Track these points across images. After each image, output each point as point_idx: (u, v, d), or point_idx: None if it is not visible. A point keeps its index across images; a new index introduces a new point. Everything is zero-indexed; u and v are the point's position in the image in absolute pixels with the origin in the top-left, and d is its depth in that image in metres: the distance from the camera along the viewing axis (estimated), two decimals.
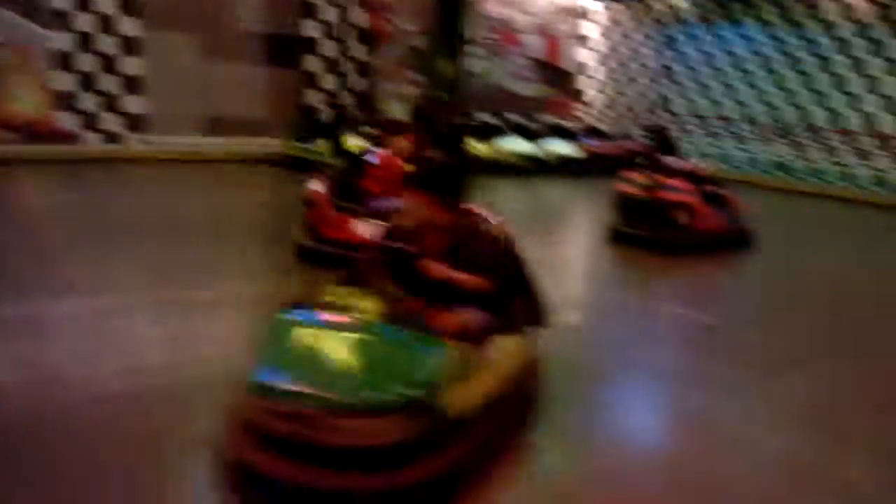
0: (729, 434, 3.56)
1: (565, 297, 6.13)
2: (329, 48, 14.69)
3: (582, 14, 18.67)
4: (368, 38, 15.16)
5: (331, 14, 14.65)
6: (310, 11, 14.35)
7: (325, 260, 5.70)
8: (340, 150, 6.88)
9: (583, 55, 18.82)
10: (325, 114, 14.29)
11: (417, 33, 14.81)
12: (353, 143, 9.74)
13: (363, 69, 15.16)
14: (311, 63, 14.46)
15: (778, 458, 3.33)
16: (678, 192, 7.69)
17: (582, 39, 18.77)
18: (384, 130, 6.74)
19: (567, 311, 5.32)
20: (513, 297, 3.27)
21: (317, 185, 6.32)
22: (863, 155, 13.66)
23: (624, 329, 5.29)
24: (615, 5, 18.03)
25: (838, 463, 3.31)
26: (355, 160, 6.62)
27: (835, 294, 6.59)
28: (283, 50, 14.21)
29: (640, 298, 6.10)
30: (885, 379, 4.51)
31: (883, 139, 13.38)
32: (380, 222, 5.63)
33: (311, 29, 14.37)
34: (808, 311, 6.00)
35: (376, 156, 6.39)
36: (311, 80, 14.46)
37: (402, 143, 6.35)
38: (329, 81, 14.72)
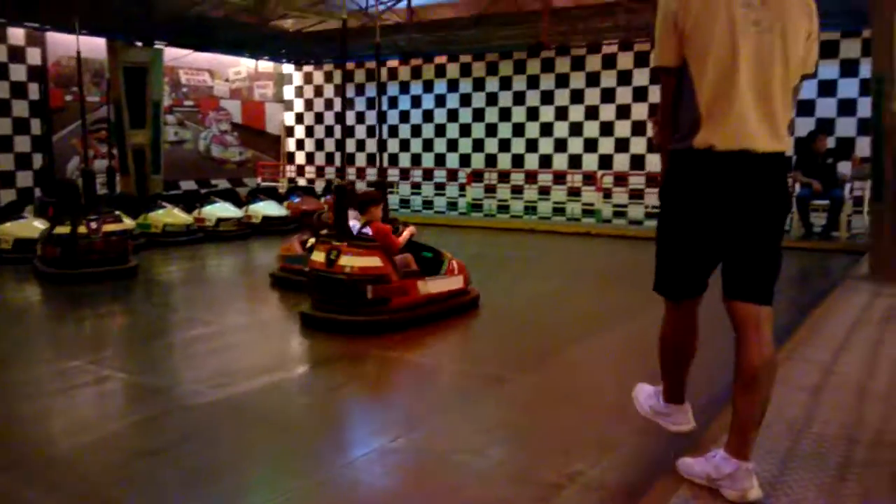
0: (446, 460, 3.72)
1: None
2: (2, 126, 13.43)
3: (280, 78, 18.94)
4: (46, 112, 14.10)
5: (2, 90, 13.43)
6: None
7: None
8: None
9: (286, 117, 19.07)
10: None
11: (104, 104, 14.04)
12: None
13: (42, 145, 14.03)
14: None
15: (488, 472, 3.54)
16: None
17: (283, 102, 19.02)
18: (361, 203, 6.90)
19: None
20: None
21: (376, 260, 6.28)
22: (544, 191, 15.24)
23: (345, 376, 5.34)
24: (313, 69, 18.50)
25: (538, 462, 3.60)
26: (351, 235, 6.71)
27: (528, 316, 7.21)
28: None
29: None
30: (560, 385, 5.01)
31: (557, 175, 15.05)
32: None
33: None
34: (505, 333, 6.51)
35: (369, 227, 6.64)
36: None
37: (378, 212, 6.83)
38: (5, 161, 13.43)
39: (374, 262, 6.25)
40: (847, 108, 12.40)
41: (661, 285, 2.99)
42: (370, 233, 6.58)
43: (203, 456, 3.69)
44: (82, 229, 8.57)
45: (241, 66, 17.98)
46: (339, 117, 7.45)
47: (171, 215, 11.86)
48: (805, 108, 12.38)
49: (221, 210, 12.67)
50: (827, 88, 12.46)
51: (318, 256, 6.48)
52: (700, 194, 2.70)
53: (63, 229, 8.61)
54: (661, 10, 2.71)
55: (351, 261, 6.23)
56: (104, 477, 3.48)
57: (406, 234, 6.78)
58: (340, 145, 7.63)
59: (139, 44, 13.96)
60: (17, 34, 13.62)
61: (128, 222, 9.85)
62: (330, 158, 18.49)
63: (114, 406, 4.65)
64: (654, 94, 13.90)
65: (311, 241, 8.46)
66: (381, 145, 7.83)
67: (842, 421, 3.57)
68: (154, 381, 5.04)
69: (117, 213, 9.40)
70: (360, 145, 17.94)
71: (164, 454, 3.72)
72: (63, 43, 14.10)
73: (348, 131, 18.11)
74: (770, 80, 2.63)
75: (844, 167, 11.24)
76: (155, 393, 4.80)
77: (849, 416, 3.64)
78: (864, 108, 11.31)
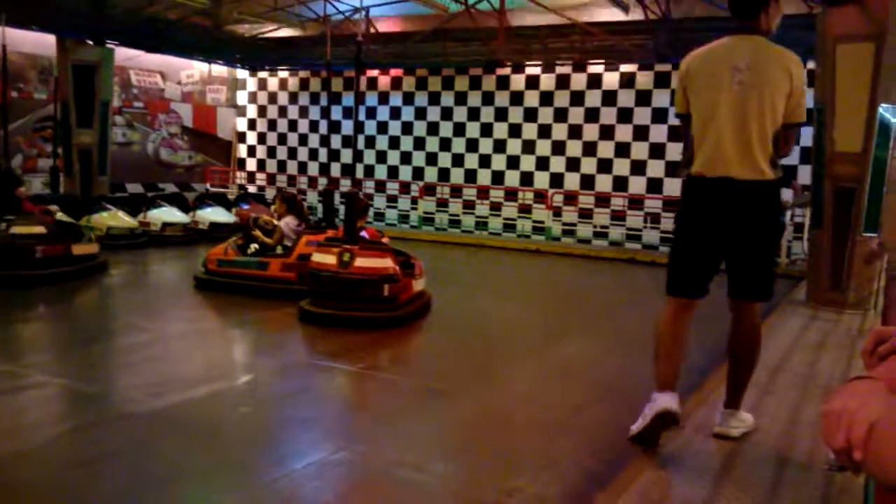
0: (387, 474, 3.70)
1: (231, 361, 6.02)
2: None
3: (234, 83, 18.74)
4: None
5: None
6: None
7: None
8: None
9: (238, 123, 18.86)
10: None
11: (51, 102, 13.72)
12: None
13: None
14: None
15: (429, 488, 3.53)
16: None
17: (236, 108, 18.81)
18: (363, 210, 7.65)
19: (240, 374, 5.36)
20: None
21: (388, 261, 6.92)
22: (496, 207, 15.35)
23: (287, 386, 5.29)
24: (268, 75, 18.34)
25: (479, 477, 3.61)
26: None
27: (475, 331, 7.24)
28: None
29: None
30: (502, 401, 5.04)
31: (509, 192, 15.18)
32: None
33: None
34: (451, 347, 6.53)
35: (365, 231, 7.47)
36: None
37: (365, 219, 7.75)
38: None
39: (387, 263, 6.92)
40: None
41: (669, 284, 3.58)
42: (367, 236, 7.36)
43: (136, 467, 3.60)
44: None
45: (194, 69, 17.74)
46: (357, 126, 7.74)
47: (115, 218, 11.59)
48: None
49: (168, 214, 12.44)
50: None
51: (327, 258, 6.88)
52: (697, 210, 3.49)
53: None
54: (679, 71, 3.59)
55: (367, 262, 6.81)
56: (33, 488, 3.37)
57: (385, 239, 7.73)
58: (356, 154, 8.14)
59: (90, 42, 13.69)
60: None
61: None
62: (282, 166, 18.34)
63: (47, 413, 4.51)
64: (606, 116, 14.15)
65: (254, 246, 8.40)
66: (358, 156, 8.23)
67: (774, 443, 3.65)
68: (89, 389, 4.91)
69: (40, 215, 8.87)
70: (314, 154, 17.84)
71: (96, 465, 3.62)
72: (10, 38, 13.73)
73: (301, 139, 18.00)
74: (746, 125, 3.32)
75: (786, 194, 11.56)
76: (90, 401, 4.67)
77: (782, 438, 3.73)
78: (807, 137, 11.66)
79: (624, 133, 14.09)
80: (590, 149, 14.40)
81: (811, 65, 11.52)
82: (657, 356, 3.56)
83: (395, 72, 16.44)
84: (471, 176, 15.75)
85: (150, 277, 10.12)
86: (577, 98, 14.50)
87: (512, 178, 15.26)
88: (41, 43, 13.93)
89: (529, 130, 15.03)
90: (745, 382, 3.66)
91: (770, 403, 4.31)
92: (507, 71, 15.09)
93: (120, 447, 3.87)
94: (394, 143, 16.67)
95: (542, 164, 14.91)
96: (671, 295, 3.57)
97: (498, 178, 15.42)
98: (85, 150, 13.77)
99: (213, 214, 13.10)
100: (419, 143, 16.35)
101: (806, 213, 10.60)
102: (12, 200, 8.52)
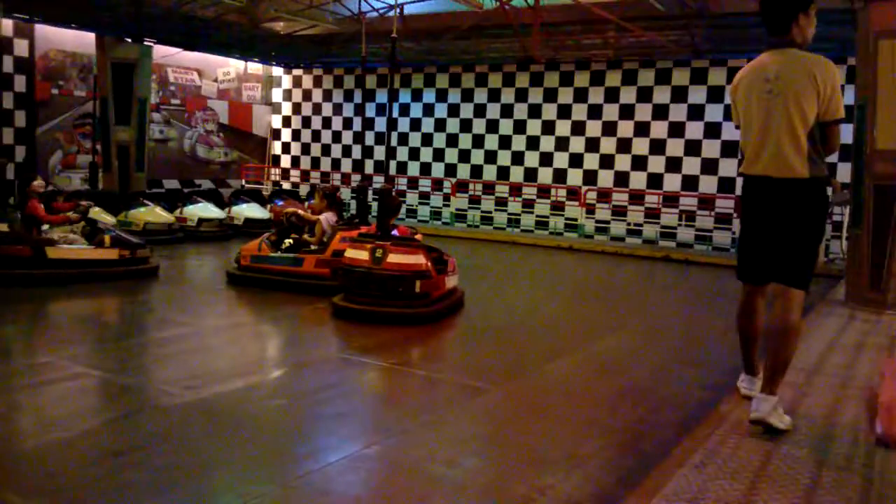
0: (419, 469, 3.71)
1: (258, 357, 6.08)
2: None
3: (269, 81, 18.90)
4: (32, 104, 13.96)
5: None
6: None
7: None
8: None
9: (273, 120, 19.02)
10: None
11: (90, 99, 13.96)
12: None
13: (26, 138, 13.89)
14: None
15: (460, 484, 3.53)
16: None
17: (271, 105, 18.97)
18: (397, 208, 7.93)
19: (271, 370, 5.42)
20: None
21: (421, 258, 6.97)
22: (528, 204, 15.29)
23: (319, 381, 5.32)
24: (302, 73, 18.47)
25: (510, 474, 3.60)
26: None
27: (507, 328, 7.22)
28: None
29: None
30: (534, 399, 5.03)
31: (542, 189, 15.11)
32: None
33: None
34: (483, 344, 6.52)
35: (396, 230, 7.76)
36: None
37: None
38: None
39: (419, 259, 6.94)
40: None
41: (737, 268, 4.11)
42: (398, 234, 7.53)
43: (170, 458, 3.66)
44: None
45: (230, 66, 17.93)
46: (390, 123, 7.90)
47: (152, 213, 11.78)
48: None
49: (203, 210, 12.61)
50: None
51: (360, 254, 6.93)
52: (745, 204, 3.93)
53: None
54: (731, 86, 3.99)
55: (400, 258, 6.85)
56: (71, 476, 3.43)
57: (418, 236, 8.02)
58: (388, 151, 8.54)
59: (129, 40, 13.90)
60: (5, 25, 13.50)
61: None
62: (316, 163, 18.45)
63: (85, 404, 4.60)
64: (641, 113, 14.03)
65: (288, 241, 8.45)
66: (390, 153, 8.49)
67: (812, 444, 3.59)
68: (126, 380, 5.00)
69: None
70: (347, 151, 17.93)
71: (131, 455, 3.68)
72: (52, 36, 14.03)
73: (335, 136, 18.09)
74: (778, 129, 3.67)
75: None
76: (127, 392, 4.75)
77: (819, 439, 3.67)
78: (847, 134, 11.44)
79: (659, 130, 13.95)
80: (624, 146, 14.29)
81: (852, 60, 11.27)
82: (739, 338, 4.13)
83: (428, 69, 16.45)
84: (503, 173, 15.72)
85: (186, 272, 10.25)
86: (612, 95, 14.39)
87: (545, 176, 15.20)
88: (82, 41, 14.20)
89: (563, 127, 14.95)
90: (779, 366, 3.72)
91: (807, 405, 4.24)
92: (541, 68, 15.02)
93: (155, 438, 3.93)
94: (426, 140, 16.68)
95: (576, 161, 14.83)
96: (738, 278, 4.09)
97: (531, 175, 15.37)
98: (123, 147, 13.99)
99: (248, 210, 13.26)
100: (452, 140, 16.35)
101: (845, 212, 10.38)
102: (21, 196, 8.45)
